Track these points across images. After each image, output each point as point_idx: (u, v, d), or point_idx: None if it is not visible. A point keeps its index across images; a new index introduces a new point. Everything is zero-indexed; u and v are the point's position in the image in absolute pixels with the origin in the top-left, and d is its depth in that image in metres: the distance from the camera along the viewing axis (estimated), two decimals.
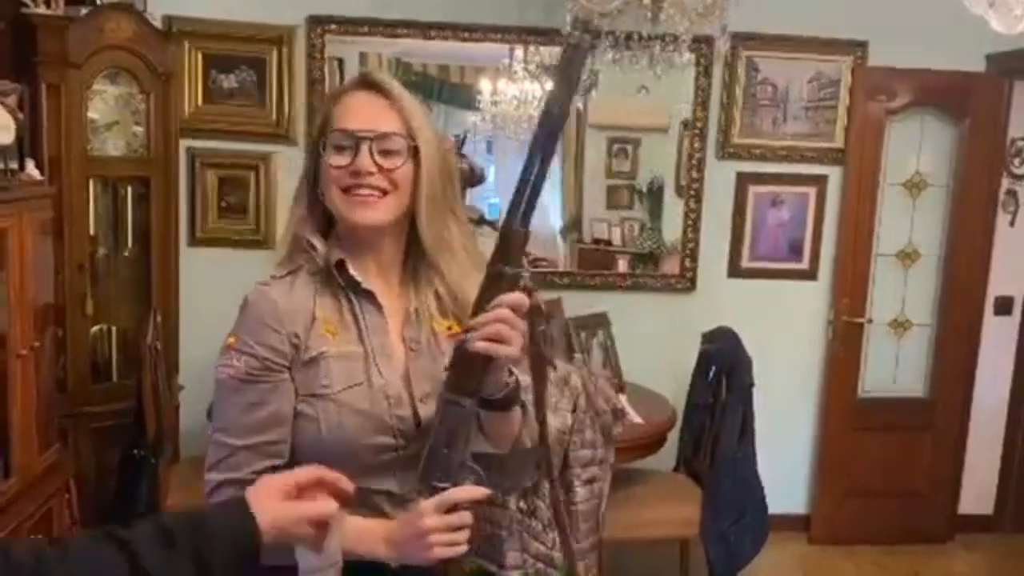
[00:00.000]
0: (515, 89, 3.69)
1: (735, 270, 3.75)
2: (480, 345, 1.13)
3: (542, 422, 1.27)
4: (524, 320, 1.15)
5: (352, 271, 1.28)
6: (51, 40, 2.80)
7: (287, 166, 3.43)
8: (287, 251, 1.32)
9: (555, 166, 3.85)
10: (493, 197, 3.82)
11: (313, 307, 1.27)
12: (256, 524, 0.98)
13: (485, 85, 3.68)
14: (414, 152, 1.27)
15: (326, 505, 1.04)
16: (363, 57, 3.64)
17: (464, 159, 3.79)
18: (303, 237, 1.29)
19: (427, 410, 1.27)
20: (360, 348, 1.27)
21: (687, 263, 3.71)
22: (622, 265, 3.82)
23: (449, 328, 1.33)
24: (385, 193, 1.26)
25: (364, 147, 1.24)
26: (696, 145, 3.64)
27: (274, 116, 3.48)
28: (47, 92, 2.80)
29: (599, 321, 3.38)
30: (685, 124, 3.69)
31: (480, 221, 3.20)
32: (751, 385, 2.94)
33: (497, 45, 3.59)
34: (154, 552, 0.92)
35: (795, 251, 3.76)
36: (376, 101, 1.27)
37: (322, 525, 1.04)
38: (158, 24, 3.21)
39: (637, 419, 2.88)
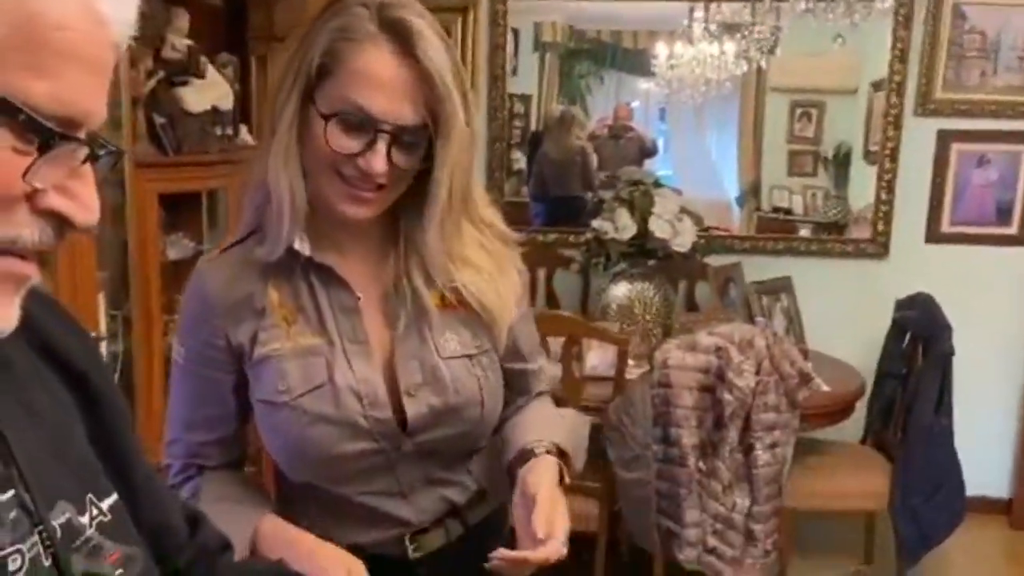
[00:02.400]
0: (692, 51, 3.60)
1: (934, 235, 3.50)
2: None
3: None
4: None
5: (298, 244, 1.04)
6: (259, 16, 3.02)
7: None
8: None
9: (731, 132, 3.74)
10: (665, 169, 3.74)
11: (264, 292, 1.06)
12: None
13: (661, 49, 3.62)
14: (430, 139, 1.01)
15: None
16: (537, 27, 3.67)
17: (634, 131, 3.75)
18: (285, 216, 1.02)
19: (417, 406, 1.08)
20: (322, 339, 1.06)
21: (880, 227, 3.51)
22: (804, 235, 3.67)
23: (442, 299, 1.10)
24: (382, 187, 1.02)
25: (381, 143, 0.98)
26: (892, 101, 3.42)
27: None
28: (256, 64, 3.03)
29: (782, 286, 3.27)
30: (876, 85, 3.47)
31: (656, 184, 3.15)
32: (950, 354, 2.75)
33: (676, 4, 3.52)
34: None
35: (1003, 215, 3.47)
36: (406, 69, 0.97)
37: None
38: None
39: (824, 386, 2.78)
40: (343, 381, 1.05)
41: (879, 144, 3.46)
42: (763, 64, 3.54)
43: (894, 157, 3.45)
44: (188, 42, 2.35)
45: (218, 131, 2.61)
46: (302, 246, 1.04)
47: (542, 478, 1.06)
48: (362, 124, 0.98)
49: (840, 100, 3.63)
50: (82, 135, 0.57)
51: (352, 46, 0.97)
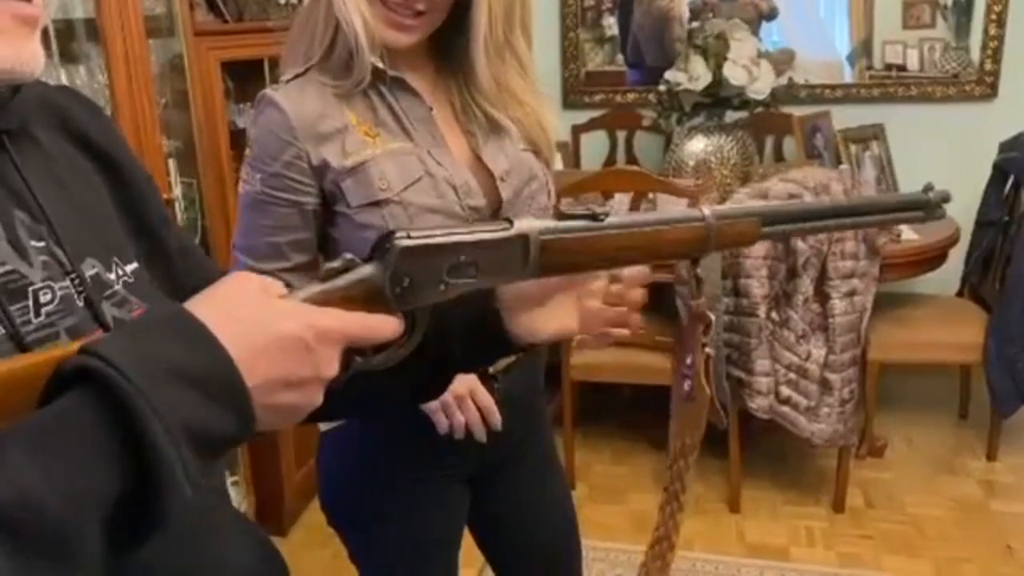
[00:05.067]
0: None
1: None
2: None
3: None
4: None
5: (370, 57, 1.10)
6: None
7: None
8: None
9: None
10: (774, 34, 3.47)
11: (340, 113, 1.11)
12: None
13: None
14: None
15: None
16: None
17: None
18: (363, 41, 1.07)
19: (508, 191, 1.16)
20: (408, 143, 1.12)
21: (987, 65, 3.22)
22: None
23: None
24: (421, 14, 1.09)
25: None
26: None
27: None
28: None
29: (872, 133, 3.08)
30: None
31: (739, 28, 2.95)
32: None
33: None
34: None
35: None
36: None
37: None
38: None
39: (912, 235, 2.65)
40: (438, 173, 1.12)
41: None
42: None
43: None
44: None
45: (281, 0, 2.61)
46: (375, 60, 1.10)
47: None
48: None
49: None
50: None
51: None
